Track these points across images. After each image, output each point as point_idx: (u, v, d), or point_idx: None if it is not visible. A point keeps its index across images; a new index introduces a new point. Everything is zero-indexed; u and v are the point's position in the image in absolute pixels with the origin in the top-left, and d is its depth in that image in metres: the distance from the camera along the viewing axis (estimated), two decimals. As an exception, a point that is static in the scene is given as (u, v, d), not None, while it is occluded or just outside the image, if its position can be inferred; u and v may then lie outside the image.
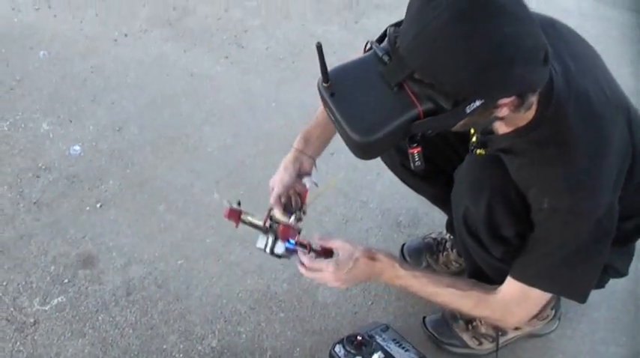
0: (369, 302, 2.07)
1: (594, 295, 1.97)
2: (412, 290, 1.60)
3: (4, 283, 2.11)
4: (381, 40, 1.22)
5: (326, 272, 1.56)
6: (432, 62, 1.12)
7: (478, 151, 1.58)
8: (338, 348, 1.84)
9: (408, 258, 2.12)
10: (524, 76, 1.17)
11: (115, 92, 2.81)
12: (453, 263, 2.07)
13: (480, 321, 1.90)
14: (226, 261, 2.18)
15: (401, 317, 2.00)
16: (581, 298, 1.54)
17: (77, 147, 2.56)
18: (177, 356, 1.94)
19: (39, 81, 2.86)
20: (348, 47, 2.83)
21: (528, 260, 1.48)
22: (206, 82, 2.87)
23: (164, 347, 1.96)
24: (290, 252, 1.62)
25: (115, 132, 2.63)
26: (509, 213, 1.49)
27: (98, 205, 2.35)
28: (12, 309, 2.04)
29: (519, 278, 1.49)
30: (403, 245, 2.16)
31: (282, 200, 1.66)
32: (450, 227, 2.03)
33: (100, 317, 2.03)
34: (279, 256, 1.62)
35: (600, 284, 1.82)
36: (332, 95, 1.20)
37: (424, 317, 1.97)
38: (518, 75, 1.15)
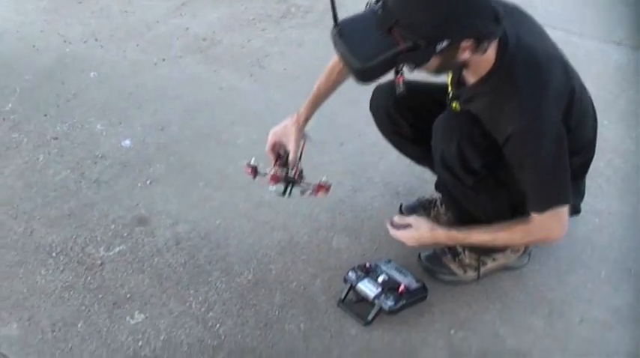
0: (375, 248, 2.52)
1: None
2: (470, 243, 2.14)
3: (74, 237, 2.57)
4: (377, 1, 1.74)
5: (409, 230, 2.17)
6: (409, 12, 1.65)
7: (454, 104, 2.08)
8: (351, 273, 2.29)
9: (406, 214, 2.59)
10: (476, 25, 1.68)
11: (157, 102, 3.32)
12: (442, 216, 2.53)
13: (464, 252, 2.35)
14: (257, 221, 2.64)
15: (402, 257, 2.44)
16: (569, 199, 1.98)
17: (127, 142, 3.06)
18: (220, 286, 2.38)
19: (91, 94, 3.38)
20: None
21: (529, 192, 1.94)
22: (234, 94, 3.40)
23: (209, 279, 2.41)
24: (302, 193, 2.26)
25: (158, 130, 3.13)
26: (475, 150, 1.98)
27: (148, 182, 2.83)
28: (81, 255, 2.50)
29: (535, 208, 1.94)
30: (401, 205, 2.63)
31: (281, 152, 2.30)
32: (437, 186, 2.50)
33: (155, 260, 2.48)
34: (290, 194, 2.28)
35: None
36: (340, 35, 1.71)
37: (419, 254, 2.42)
38: (472, 24, 1.67)
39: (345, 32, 1.71)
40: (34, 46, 3.78)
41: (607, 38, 3.82)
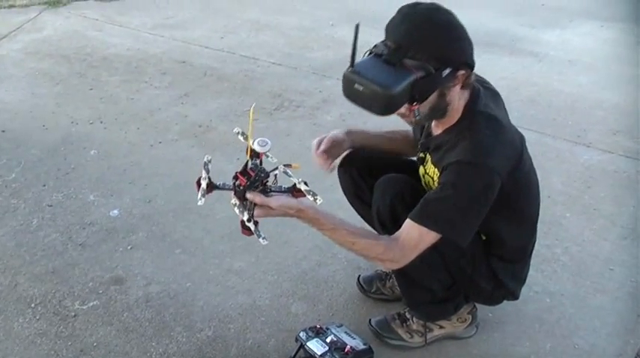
0: (331, 314, 2.68)
1: (507, 314, 2.63)
2: (330, 236, 2.05)
3: (53, 291, 2.76)
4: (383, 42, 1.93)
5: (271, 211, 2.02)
6: (417, 43, 1.87)
7: (421, 155, 2.28)
8: (302, 333, 2.44)
9: (363, 284, 2.75)
10: (469, 51, 1.96)
11: (148, 178, 3.57)
12: (397, 287, 2.70)
13: (412, 319, 2.50)
14: (224, 286, 2.82)
15: (354, 323, 2.60)
16: (463, 241, 2.05)
17: (115, 211, 3.29)
18: (180, 339, 2.54)
19: (89, 169, 3.65)
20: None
21: (427, 205, 2.02)
22: (220, 174, 3.62)
23: (171, 334, 2.57)
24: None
25: (145, 203, 3.37)
26: (405, 208, 2.16)
27: (129, 247, 3.04)
28: (58, 307, 2.68)
29: (418, 219, 2.01)
30: (359, 276, 2.80)
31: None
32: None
33: (125, 315, 2.65)
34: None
35: (496, 302, 2.50)
36: (358, 73, 1.87)
37: (370, 319, 2.58)
38: (466, 49, 1.96)
39: (361, 70, 1.88)
40: (43, 126, 4.09)
41: (578, 141, 4.06)
